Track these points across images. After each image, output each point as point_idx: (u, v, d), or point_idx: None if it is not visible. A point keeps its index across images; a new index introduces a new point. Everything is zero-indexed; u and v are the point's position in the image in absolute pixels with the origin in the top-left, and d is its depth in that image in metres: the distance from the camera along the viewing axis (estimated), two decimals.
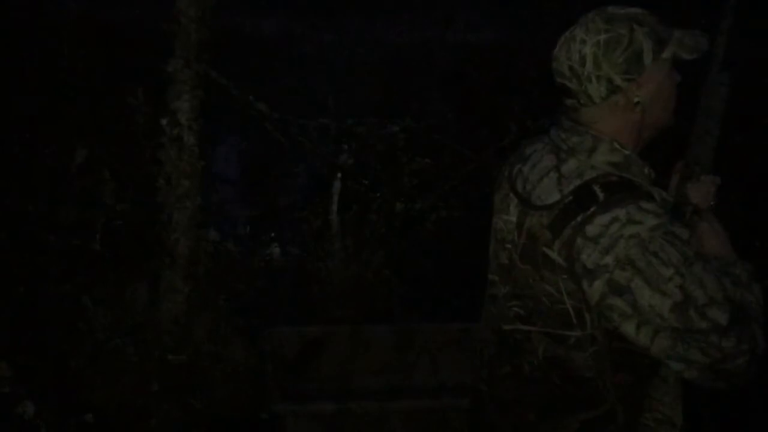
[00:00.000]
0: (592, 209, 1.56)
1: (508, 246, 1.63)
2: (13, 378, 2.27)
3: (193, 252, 2.62)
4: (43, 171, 2.79)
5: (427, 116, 3.31)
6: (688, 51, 1.59)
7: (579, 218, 1.57)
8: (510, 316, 1.65)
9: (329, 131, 3.09)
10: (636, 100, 1.62)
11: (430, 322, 2.87)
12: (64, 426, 2.30)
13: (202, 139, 2.59)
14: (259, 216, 3.37)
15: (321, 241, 3.07)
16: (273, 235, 3.25)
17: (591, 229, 1.57)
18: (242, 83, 2.83)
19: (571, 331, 1.62)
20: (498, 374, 1.67)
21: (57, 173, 2.81)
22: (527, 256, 1.62)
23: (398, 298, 2.97)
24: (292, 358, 2.63)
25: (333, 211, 3.10)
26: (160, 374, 2.51)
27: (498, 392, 1.68)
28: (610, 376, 1.61)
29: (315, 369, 2.61)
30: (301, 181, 3.68)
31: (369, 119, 3.09)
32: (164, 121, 2.56)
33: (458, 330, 2.68)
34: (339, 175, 3.08)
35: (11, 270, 2.63)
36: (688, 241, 1.56)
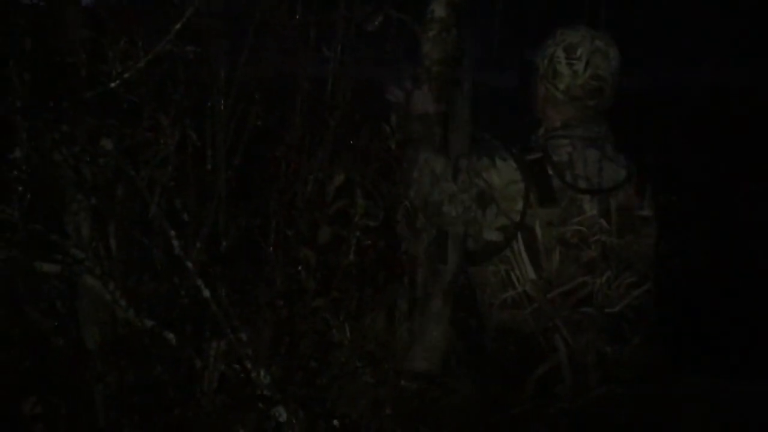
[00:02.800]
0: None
1: (595, 238, 1.89)
2: (270, 385, 2.57)
3: (427, 284, 2.79)
4: (304, 195, 3.15)
5: (670, 154, 3.25)
6: None
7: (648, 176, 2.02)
8: (618, 294, 1.89)
9: None
10: None
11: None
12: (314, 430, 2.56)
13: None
14: None
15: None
16: None
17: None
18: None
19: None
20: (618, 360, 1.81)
21: (316, 197, 3.17)
22: (625, 230, 1.92)
23: None
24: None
25: None
26: (393, 399, 2.69)
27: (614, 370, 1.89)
28: None
29: None
30: None
31: None
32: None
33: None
34: None
35: (274, 284, 2.99)
36: None
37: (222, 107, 3.14)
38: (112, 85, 2.56)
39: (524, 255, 1.89)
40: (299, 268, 3.08)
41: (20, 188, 2.46)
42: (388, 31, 3.02)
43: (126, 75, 2.56)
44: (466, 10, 2.72)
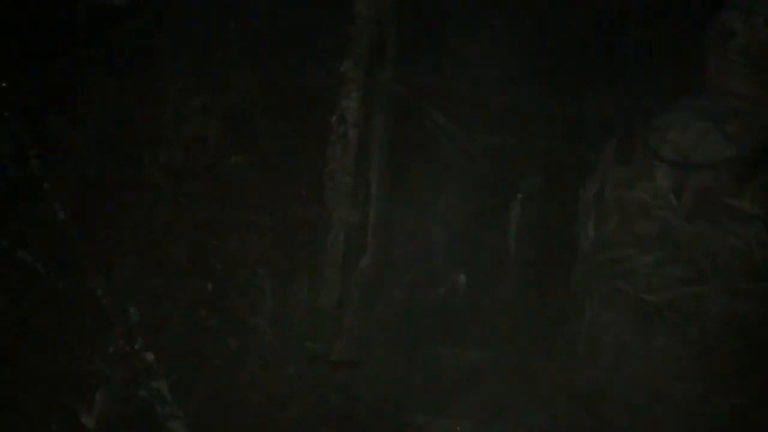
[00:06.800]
0: None
1: (658, 212, 1.58)
2: None
3: (348, 249, 2.65)
4: None
5: None
6: None
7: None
8: (663, 283, 1.62)
9: (508, 150, 3.00)
10: None
11: None
12: None
13: (365, 138, 2.66)
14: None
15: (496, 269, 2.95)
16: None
17: None
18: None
19: (758, 282, 1.56)
20: (637, 352, 1.60)
21: None
22: (698, 215, 1.56)
23: None
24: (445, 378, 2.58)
25: (511, 235, 2.98)
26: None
27: (630, 372, 1.59)
28: None
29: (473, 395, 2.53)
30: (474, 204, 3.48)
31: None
32: (333, 119, 2.68)
33: None
34: (519, 196, 2.96)
35: None
36: None
37: None
38: None
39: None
40: None
41: None
42: None
43: None
44: None
